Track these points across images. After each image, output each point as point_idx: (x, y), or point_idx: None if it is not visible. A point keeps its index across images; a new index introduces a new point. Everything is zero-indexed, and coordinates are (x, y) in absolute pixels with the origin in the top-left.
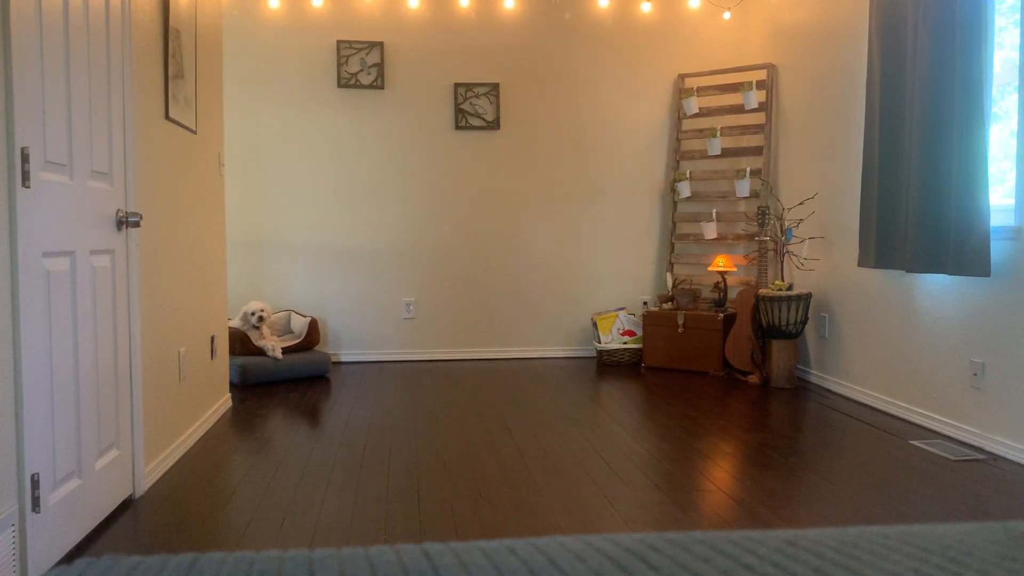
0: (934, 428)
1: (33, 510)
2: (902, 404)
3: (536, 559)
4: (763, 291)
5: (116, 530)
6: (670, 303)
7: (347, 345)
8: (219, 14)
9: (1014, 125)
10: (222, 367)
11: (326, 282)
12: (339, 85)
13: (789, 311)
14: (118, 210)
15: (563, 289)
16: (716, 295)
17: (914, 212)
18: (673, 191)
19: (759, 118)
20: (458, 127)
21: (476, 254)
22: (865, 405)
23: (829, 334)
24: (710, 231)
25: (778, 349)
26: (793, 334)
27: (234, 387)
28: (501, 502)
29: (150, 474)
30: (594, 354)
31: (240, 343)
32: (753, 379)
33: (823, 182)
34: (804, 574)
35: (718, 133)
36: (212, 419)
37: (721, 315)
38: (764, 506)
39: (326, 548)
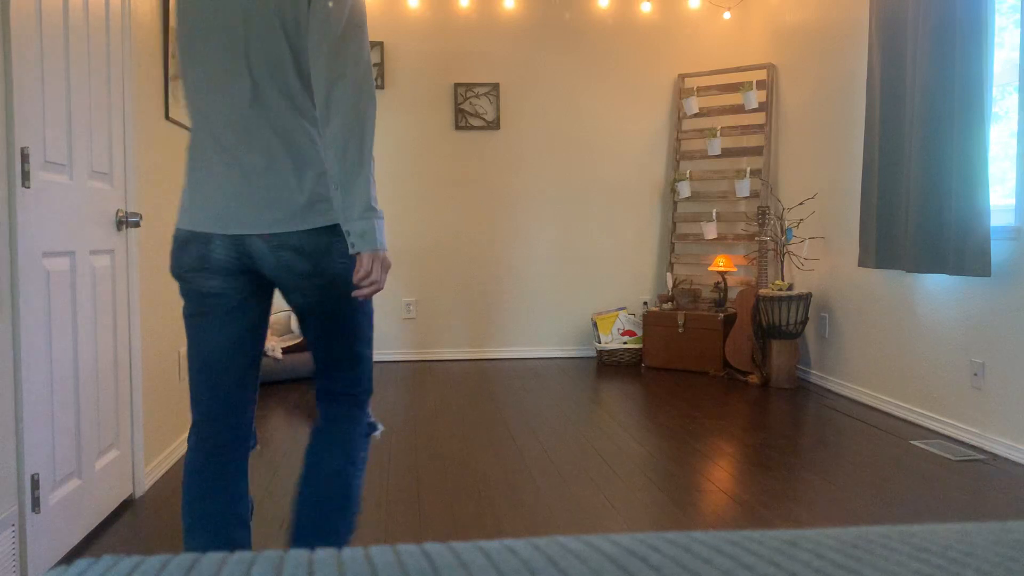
0: (934, 428)
1: (33, 510)
2: (902, 404)
3: (536, 559)
4: (763, 291)
5: (116, 530)
6: (670, 303)
7: None
8: None
9: (1014, 125)
10: None
11: None
12: None
13: (789, 311)
14: (118, 210)
15: (563, 289)
16: (716, 295)
17: (914, 212)
18: (673, 191)
19: (759, 118)
20: (458, 127)
21: (476, 254)
22: (865, 405)
23: (829, 334)
24: (710, 231)
25: (778, 349)
26: (793, 334)
27: None
28: (501, 502)
29: (150, 474)
30: (594, 354)
31: None
32: (753, 379)
33: (823, 182)
34: (804, 574)
35: (718, 133)
36: None
37: (721, 315)
38: (764, 506)
39: (326, 548)
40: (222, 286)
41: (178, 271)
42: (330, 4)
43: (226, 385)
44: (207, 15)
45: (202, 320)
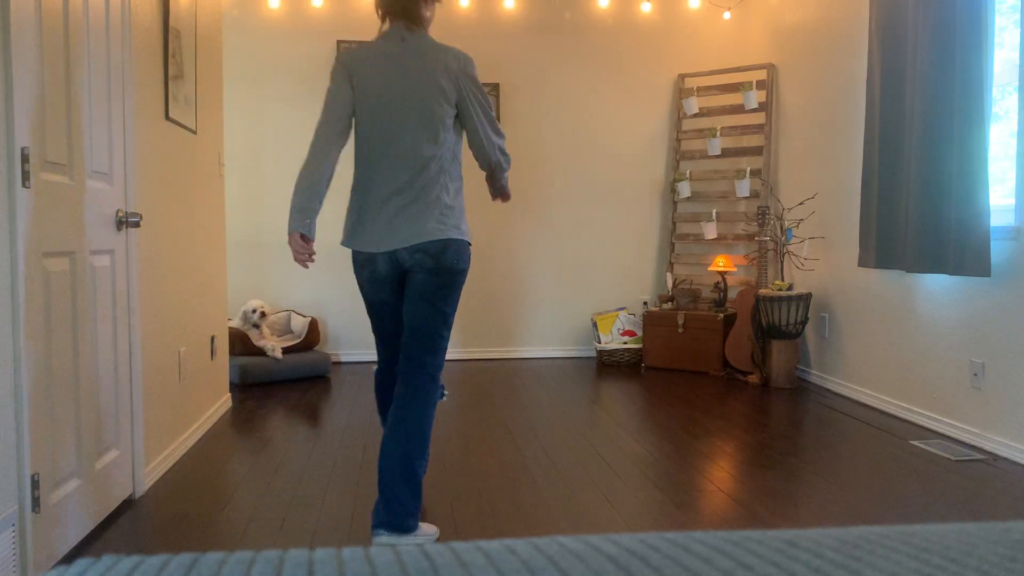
0: (934, 428)
1: (33, 510)
2: (902, 404)
3: (536, 559)
4: (763, 291)
5: (116, 530)
6: (670, 303)
7: (347, 345)
8: (219, 14)
9: (1014, 125)
10: (222, 367)
11: (326, 282)
12: None
13: (789, 311)
14: (118, 210)
15: (563, 289)
16: (716, 295)
17: (914, 212)
18: (673, 191)
19: (759, 118)
20: None
21: (475, 254)
22: (865, 405)
23: (829, 334)
24: (710, 231)
25: (778, 349)
26: (793, 334)
27: (234, 387)
28: (501, 502)
29: (150, 474)
30: (594, 354)
31: (240, 343)
32: (753, 379)
33: (823, 182)
34: (804, 574)
35: (718, 133)
36: (212, 419)
37: (721, 315)
38: (764, 506)
39: (326, 548)
40: (387, 297)
41: (361, 283)
42: (478, 112)
43: (394, 343)
44: (386, 100)
45: (379, 318)
